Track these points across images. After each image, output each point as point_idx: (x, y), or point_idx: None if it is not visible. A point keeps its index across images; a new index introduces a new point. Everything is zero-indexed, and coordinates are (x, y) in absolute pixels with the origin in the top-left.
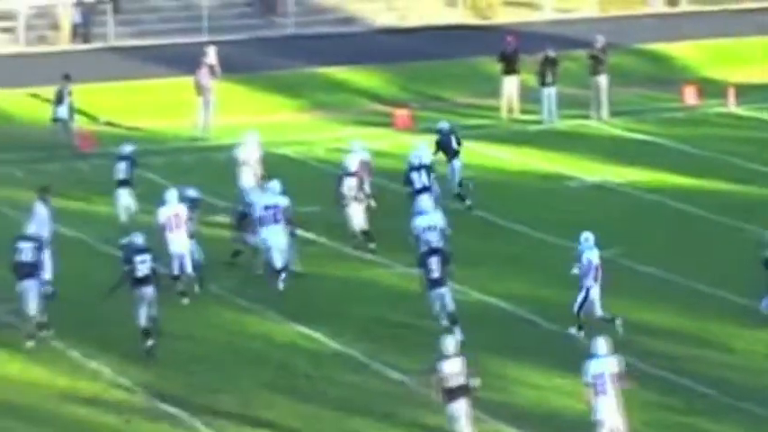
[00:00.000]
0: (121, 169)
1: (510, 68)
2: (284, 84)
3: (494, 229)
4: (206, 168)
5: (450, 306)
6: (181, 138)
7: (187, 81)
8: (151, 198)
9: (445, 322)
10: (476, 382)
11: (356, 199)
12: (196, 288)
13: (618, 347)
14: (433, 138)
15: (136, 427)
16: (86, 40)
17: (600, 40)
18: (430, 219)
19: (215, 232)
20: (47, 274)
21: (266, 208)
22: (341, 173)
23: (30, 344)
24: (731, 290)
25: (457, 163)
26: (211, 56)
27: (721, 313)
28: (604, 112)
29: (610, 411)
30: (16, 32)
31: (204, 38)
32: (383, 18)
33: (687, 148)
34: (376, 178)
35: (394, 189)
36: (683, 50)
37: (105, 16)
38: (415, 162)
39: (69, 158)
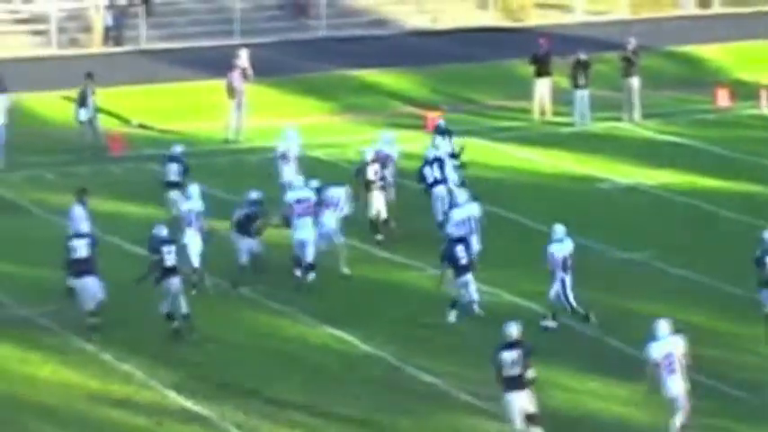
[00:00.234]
0: (172, 171)
1: (542, 71)
2: (316, 86)
3: (525, 230)
4: (238, 171)
5: (474, 295)
6: (213, 140)
7: (219, 84)
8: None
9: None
10: (532, 374)
11: (379, 187)
12: (207, 282)
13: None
14: (461, 140)
15: (168, 429)
16: (118, 42)
17: (632, 43)
18: (467, 210)
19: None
20: None
21: (298, 202)
22: (362, 163)
23: (95, 337)
24: None
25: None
26: (244, 58)
27: (753, 316)
28: (636, 115)
29: (680, 388)
30: (48, 35)
31: (236, 41)
32: (415, 20)
33: (719, 150)
34: (407, 181)
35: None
36: (714, 52)
37: (137, 19)
38: (430, 156)
39: (100, 161)
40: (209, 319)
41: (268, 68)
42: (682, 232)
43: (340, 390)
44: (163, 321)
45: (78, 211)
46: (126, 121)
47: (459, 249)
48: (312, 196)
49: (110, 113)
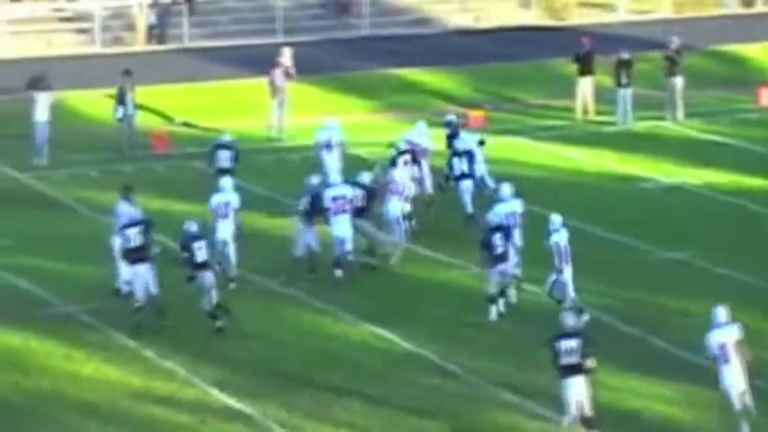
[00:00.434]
0: (224, 157)
1: (585, 69)
2: (358, 85)
3: (567, 230)
4: (281, 169)
5: (516, 272)
6: (256, 138)
7: (261, 82)
8: None
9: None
10: (591, 363)
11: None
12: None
13: (695, 349)
14: (503, 139)
15: (211, 426)
16: (161, 41)
17: (675, 42)
18: (510, 205)
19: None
20: (125, 272)
21: (334, 199)
22: (394, 153)
23: (162, 322)
24: None
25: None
26: (287, 56)
27: None
28: (679, 114)
29: (736, 378)
30: (92, 33)
31: (278, 39)
32: (457, 19)
33: (762, 150)
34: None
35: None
36: (758, 52)
37: (180, 17)
38: (460, 148)
39: (144, 159)
40: (251, 316)
41: (311, 67)
42: (725, 232)
43: (382, 388)
44: (205, 318)
45: (124, 208)
46: (169, 120)
47: (497, 238)
48: (349, 194)
49: (153, 111)
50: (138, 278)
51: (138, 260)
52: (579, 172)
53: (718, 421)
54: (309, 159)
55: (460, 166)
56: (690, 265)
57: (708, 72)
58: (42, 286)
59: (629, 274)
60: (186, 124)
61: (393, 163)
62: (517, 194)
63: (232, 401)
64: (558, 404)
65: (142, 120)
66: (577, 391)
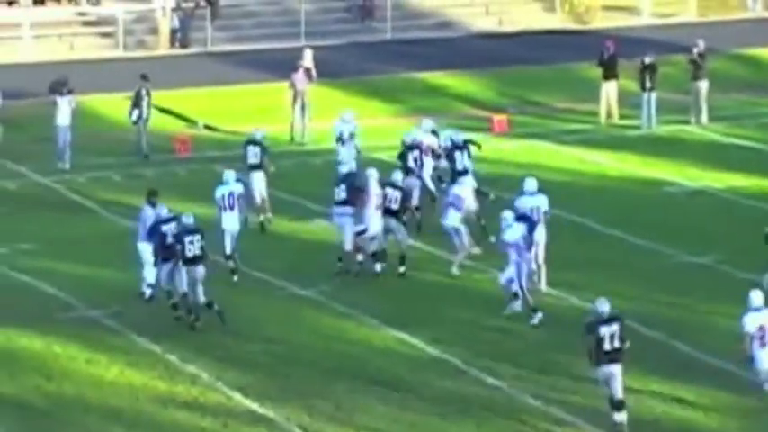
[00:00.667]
0: (254, 153)
1: (609, 73)
2: (381, 89)
3: (591, 234)
4: (303, 172)
5: (532, 266)
6: (279, 142)
7: (284, 86)
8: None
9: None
10: (627, 345)
11: (416, 176)
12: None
13: (718, 353)
14: (527, 143)
15: (233, 430)
16: (184, 45)
17: (699, 45)
18: (535, 200)
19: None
20: (149, 276)
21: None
22: (403, 147)
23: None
24: None
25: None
26: (308, 59)
27: None
28: (704, 118)
29: None
30: (115, 37)
31: (301, 43)
32: (481, 23)
33: None
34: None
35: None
36: None
37: (203, 21)
38: (459, 141)
39: (166, 163)
40: (274, 320)
41: (334, 71)
42: (749, 236)
43: (405, 393)
44: (230, 323)
45: (149, 212)
46: (192, 123)
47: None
48: (392, 193)
49: (176, 115)
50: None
51: (173, 256)
52: (603, 176)
53: (742, 427)
54: (332, 163)
55: (463, 161)
56: (713, 270)
57: (732, 76)
58: (65, 290)
59: (652, 278)
60: (208, 127)
61: (401, 157)
62: (541, 191)
63: (255, 406)
64: (580, 410)
65: (165, 124)
66: (618, 377)
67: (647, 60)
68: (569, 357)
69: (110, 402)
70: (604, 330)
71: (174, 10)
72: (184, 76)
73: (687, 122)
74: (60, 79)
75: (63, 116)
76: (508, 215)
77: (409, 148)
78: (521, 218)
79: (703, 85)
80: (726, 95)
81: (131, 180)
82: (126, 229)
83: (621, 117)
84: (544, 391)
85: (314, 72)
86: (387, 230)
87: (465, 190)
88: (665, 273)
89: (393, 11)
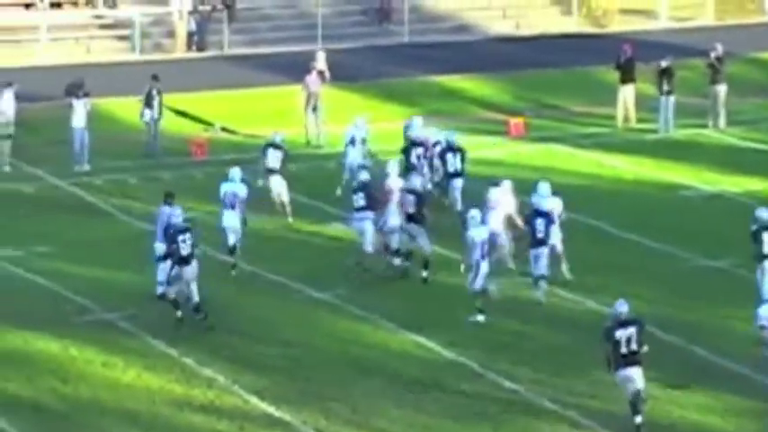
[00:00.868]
0: (275, 157)
1: (626, 77)
2: (398, 92)
3: (608, 237)
4: (318, 175)
5: (543, 270)
6: (295, 145)
7: (301, 89)
8: (263, 206)
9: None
10: (645, 348)
11: (421, 173)
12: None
13: (735, 357)
14: (544, 146)
15: None
16: (201, 48)
17: (717, 49)
18: (550, 203)
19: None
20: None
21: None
22: (406, 144)
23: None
24: None
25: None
26: (321, 61)
27: None
28: (721, 122)
29: None
30: (132, 40)
31: (318, 46)
32: (498, 26)
33: None
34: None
35: None
36: None
37: (220, 24)
38: (454, 142)
39: (182, 165)
40: (291, 323)
41: (351, 74)
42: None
43: (422, 396)
44: (246, 325)
45: (167, 212)
46: (209, 126)
47: (539, 222)
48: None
49: (193, 118)
50: (188, 274)
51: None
52: (619, 180)
53: (759, 430)
54: (348, 166)
55: (455, 163)
56: (730, 274)
57: (750, 79)
58: (81, 293)
59: (668, 281)
60: (225, 130)
61: (405, 152)
62: (555, 194)
63: (271, 409)
64: (596, 413)
65: (181, 127)
66: (638, 381)
67: (665, 64)
68: (586, 361)
69: (126, 405)
70: (620, 334)
71: (190, 13)
72: (201, 79)
73: (704, 126)
74: (76, 82)
75: (78, 118)
76: (476, 213)
77: (413, 144)
78: (538, 213)
79: (722, 88)
80: (743, 99)
81: (148, 183)
82: (142, 231)
83: (639, 121)
84: (561, 395)
85: (327, 74)
86: (411, 237)
87: (497, 194)
88: (681, 277)
89: (410, 14)
